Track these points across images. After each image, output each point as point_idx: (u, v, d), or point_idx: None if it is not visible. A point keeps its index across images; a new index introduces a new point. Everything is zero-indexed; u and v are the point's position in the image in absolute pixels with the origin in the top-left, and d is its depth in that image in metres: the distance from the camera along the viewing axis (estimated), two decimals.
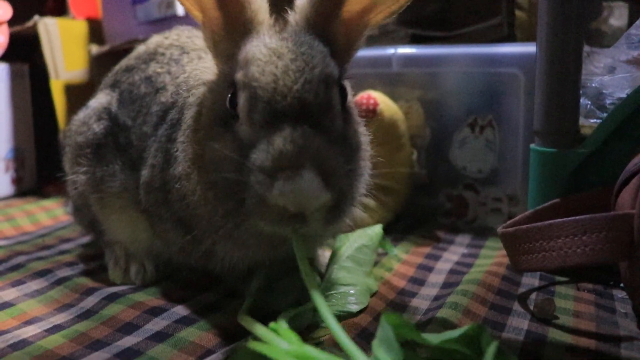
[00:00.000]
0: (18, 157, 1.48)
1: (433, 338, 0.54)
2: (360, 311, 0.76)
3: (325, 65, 0.63)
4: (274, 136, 0.60)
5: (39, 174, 1.54)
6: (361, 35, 0.73)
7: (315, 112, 0.61)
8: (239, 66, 0.66)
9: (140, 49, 0.97)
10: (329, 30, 0.69)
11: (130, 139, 0.86)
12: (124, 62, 0.97)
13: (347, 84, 0.71)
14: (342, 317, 0.74)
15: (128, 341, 0.70)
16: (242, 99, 0.64)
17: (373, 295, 0.81)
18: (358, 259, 0.86)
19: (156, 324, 0.74)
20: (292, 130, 0.59)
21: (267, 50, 0.64)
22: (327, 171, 0.59)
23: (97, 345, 0.69)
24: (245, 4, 0.68)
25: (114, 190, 0.87)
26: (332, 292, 0.79)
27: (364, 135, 0.75)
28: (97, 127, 0.90)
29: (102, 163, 0.88)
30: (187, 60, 0.88)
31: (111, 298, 0.81)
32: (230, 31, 0.70)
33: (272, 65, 0.62)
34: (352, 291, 0.79)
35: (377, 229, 0.93)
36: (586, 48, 1.00)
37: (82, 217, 0.99)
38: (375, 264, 0.93)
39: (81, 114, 0.96)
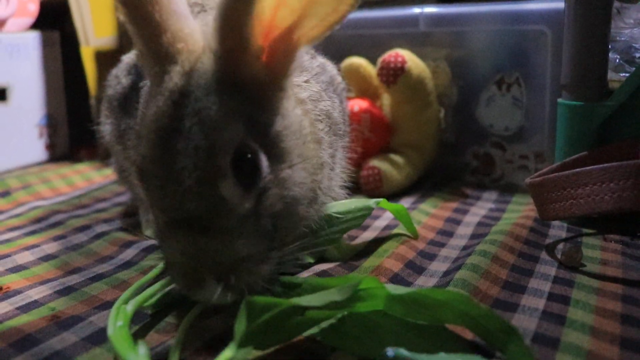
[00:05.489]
0: (51, 123, 1.51)
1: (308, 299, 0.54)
2: (390, 257, 0.78)
3: (212, 157, 0.54)
4: (167, 244, 0.58)
5: (71, 139, 1.58)
6: (292, 59, 0.60)
7: (203, 216, 0.55)
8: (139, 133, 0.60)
9: None
10: (242, 64, 0.56)
11: None
12: None
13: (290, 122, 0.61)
14: (369, 264, 0.76)
15: None
16: (142, 184, 0.59)
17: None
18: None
19: None
20: (185, 241, 0.55)
21: (157, 127, 0.56)
22: (226, 274, 0.56)
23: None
24: (161, 31, 0.58)
25: (132, 144, 0.90)
26: None
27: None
28: (125, 81, 0.93)
29: (127, 116, 0.91)
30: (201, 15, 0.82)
31: (149, 250, 0.85)
32: (150, 62, 0.60)
33: (157, 165, 0.55)
34: None
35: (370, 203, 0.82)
36: (616, 4, 1.00)
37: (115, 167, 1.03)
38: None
39: (115, 69, 0.99)
